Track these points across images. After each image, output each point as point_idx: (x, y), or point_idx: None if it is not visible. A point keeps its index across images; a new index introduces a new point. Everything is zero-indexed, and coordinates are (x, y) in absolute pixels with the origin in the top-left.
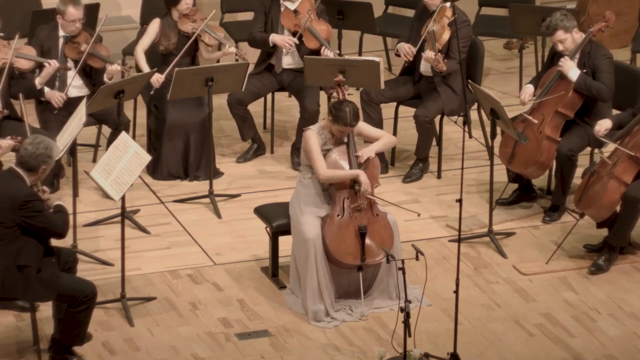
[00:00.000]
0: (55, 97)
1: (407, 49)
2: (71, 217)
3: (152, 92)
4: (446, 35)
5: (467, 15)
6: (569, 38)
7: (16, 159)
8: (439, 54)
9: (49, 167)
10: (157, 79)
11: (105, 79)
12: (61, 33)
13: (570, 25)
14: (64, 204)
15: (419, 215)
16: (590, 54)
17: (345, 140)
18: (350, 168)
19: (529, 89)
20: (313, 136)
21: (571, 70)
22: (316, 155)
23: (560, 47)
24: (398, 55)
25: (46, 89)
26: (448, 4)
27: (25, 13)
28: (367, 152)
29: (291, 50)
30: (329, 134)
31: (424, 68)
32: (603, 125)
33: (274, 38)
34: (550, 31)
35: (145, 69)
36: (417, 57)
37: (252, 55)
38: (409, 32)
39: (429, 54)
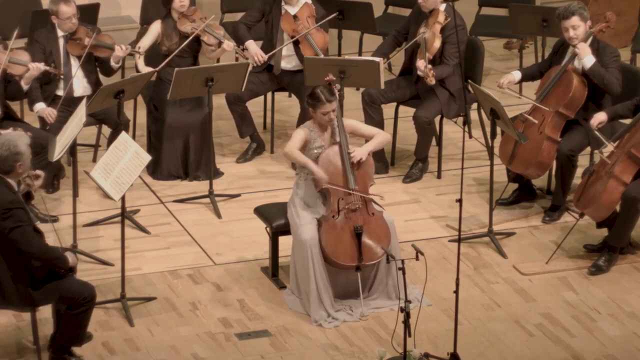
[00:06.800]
0: (46, 113)
1: None
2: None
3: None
4: (437, 44)
5: (464, 18)
6: (582, 26)
7: None
8: (429, 66)
9: (25, 161)
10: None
11: (112, 63)
12: (60, 33)
13: (586, 15)
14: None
15: (382, 197)
16: (598, 52)
17: (336, 124)
18: (343, 165)
19: (512, 76)
20: (301, 130)
21: (587, 56)
22: (294, 137)
23: (571, 33)
24: None
25: (37, 106)
26: (442, 7)
27: (25, 13)
28: (360, 152)
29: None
30: (319, 131)
31: None
32: (598, 119)
33: (249, 45)
34: (567, 14)
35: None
36: (414, 59)
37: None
38: (404, 25)
39: (420, 63)
